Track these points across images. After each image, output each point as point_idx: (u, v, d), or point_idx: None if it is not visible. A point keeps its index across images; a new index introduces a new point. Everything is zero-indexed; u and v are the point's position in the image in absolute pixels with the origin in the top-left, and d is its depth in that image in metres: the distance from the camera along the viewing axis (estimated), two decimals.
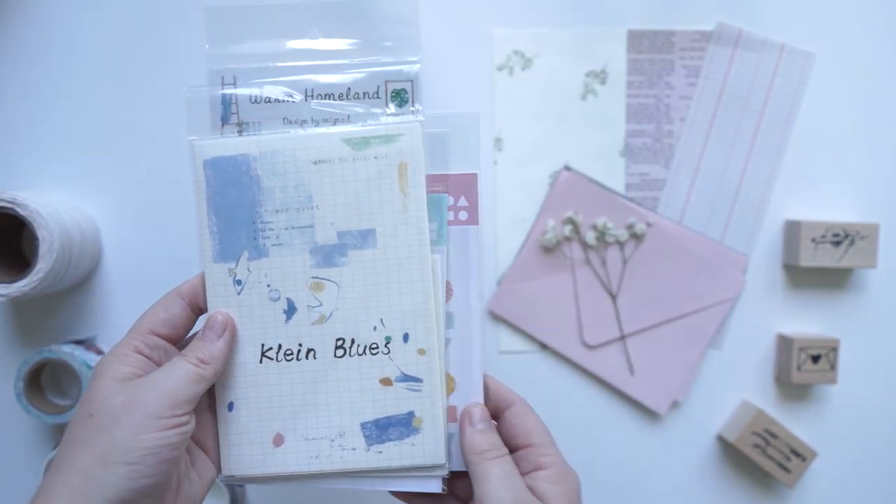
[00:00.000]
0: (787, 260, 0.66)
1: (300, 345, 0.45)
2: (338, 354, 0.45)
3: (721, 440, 0.67)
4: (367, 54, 0.46)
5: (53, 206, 0.59)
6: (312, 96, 0.46)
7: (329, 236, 0.45)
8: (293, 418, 0.45)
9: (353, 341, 0.45)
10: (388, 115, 0.46)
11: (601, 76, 0.66)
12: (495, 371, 0.52)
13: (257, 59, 0.46)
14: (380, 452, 0.45)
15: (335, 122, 0.46)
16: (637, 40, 0.66)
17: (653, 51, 0.66)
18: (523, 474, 0.43)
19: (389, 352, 0.45)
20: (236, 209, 0.45)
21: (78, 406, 0.40)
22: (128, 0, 0.64)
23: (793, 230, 0.65)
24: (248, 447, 0.45)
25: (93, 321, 0.65)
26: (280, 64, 0.46)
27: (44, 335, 0.65)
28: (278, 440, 0.45)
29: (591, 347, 0.66)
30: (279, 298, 0.45)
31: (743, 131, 0.66)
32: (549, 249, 0.66)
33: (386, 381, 0.45)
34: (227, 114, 0.46)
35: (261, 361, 0.45)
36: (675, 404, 0.67)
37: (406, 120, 0.46)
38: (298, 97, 0.46)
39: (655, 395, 0.66)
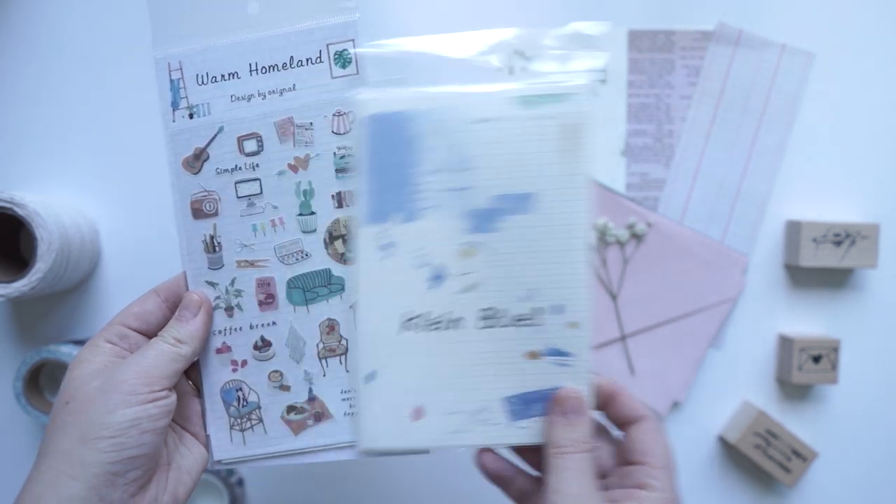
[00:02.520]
0: (787, 260, 0.66)
1: (445, 314, 0.43)
2: (484, 325, 0.43)
3: (722, 440, 0.67)
4: (307, 19, 0.45)
5: (52, 206, 0.59)
6: (257, 70, 0.45)
7: (485, 200, 0.43)
8: (435, 391, 0.43)
9: (501, 312, 0.43)
10: (555, 73, 0.45)
11: (601, 76, 0.66)
12: None
13: (200, 41, 0.45)
14: (523, 428, 0.43)
15: (281, 92, 0.45)
16: (637, 40, 0.66)
17: (653, 50, 0.66)
18: (621, 487, 0.41)
19: (541, 324, 0.43)
20: (391, 169, 0.44)
21: (56, 399, 0.41)
22: (128, 0, 0.64)
23: (793, 230, 0.65)
24: (385, 420, 0.44)
25: (92, 321, 0.65)
26: (222, 41, 0.45)
27: (43, 335, 0.65)
28: (418, 414, 0.44)
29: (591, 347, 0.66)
30: (425, 265, 0.43)
31: (743, 131, 0.66)
32: None
33: (533, 355, 0.43)
34: (177, 99, 0.46)
35: (401, 331, 0.44)
36: (675, 404, 0.67)
37: (577, 80, 0.44)
38: (243, 73, 0.45)
39: (656, 395, 0.66)
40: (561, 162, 0.43)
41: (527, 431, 0.43)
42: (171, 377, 0.41)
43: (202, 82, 0.45)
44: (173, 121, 0.46)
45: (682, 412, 0.67)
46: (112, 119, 0.65)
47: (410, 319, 0.44)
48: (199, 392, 0.46)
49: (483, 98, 0.43)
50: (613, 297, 0.66)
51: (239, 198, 0.45)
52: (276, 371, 0.46)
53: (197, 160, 0.46)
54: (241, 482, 0.65)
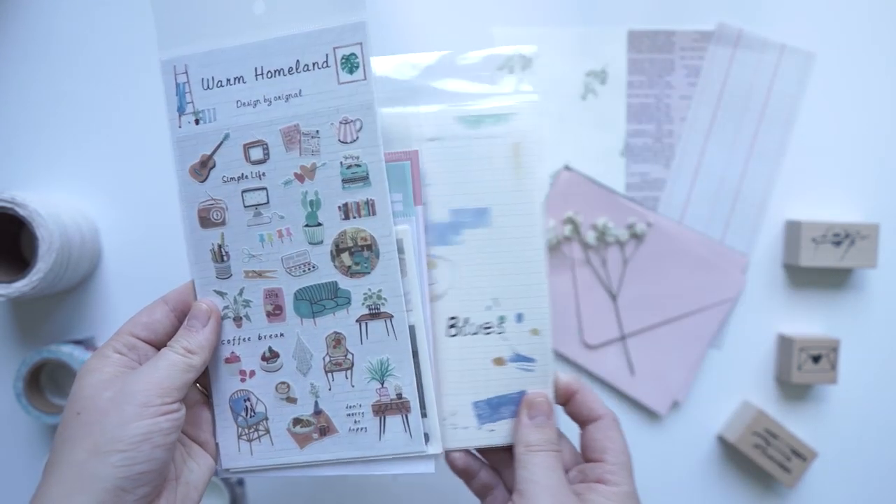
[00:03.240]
0: (787, 260, 0.66)
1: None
2: (451, 333, 0.45)
3: (721, 440, 0.67)
4: (315, 20, 0.44)
5: (53, 207, 0.59)
6: (262, 74, 0.44)
7: (443, 214, 0.45)
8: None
9: (466, 320, 0.45)
10: (500, 94, 0.46)
11: (601, 76, 0.66)
12: None
13: (205, 43, 0.44)
14: (492, 430, 0.45)
15: (287, 98, 0.44)
16: (637, 40, 0.66)
17: (653, 51, 0.66)
18: (582, 482, 0.43)
19: (503, 331, 0.45)
20: None
21: (65, 408, 0.40)
22: (128, 0, 0.64)
23: (793, 230, 0.65)
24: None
25: (92, 321, 0.65)
26: (228, 43, 0.44)
27: (43, 335, 0.65)
28: None
29: (591, 347, 0.66)
30: None
31: (743, 131, 0.66)
32: (549, 249, 0.66)
33: (499, 361, 0.45)
34: (183, 104, 0.45)
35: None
36: (675, 404, 0.67)
37: (521, 99, 0.46)
38: (249, 78, 0.44)
39: (655, 395, 0.66)
40: (511, 178, 0.45)
41: (496, 434, 0.45)
42: (182, 388, 0.41)
43: (208, 86, 0.44)
44: (179, 126, 0.45)
45: (682, 412, 0.67)
46: (112, 119, 0.65)
47: None
48: (209, 399, 0.46)
49: (430, 118, 0.45)
50: (613, 297, 0.66)
51: (246, 207, 0.45)
52: (283, 382, 0.45)
53: (203, 168, 0.45)
54: (241, 482, 0.65)
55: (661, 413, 0.66)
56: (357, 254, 0.44)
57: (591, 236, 0.65)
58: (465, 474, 0.47)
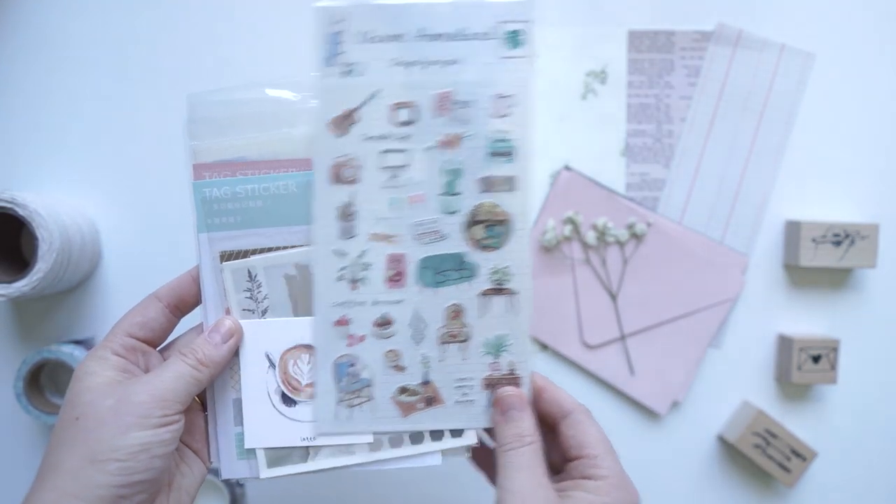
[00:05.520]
0: (787, 260, 0.66)
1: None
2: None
3: (721, 440, 0.67)
4: None
5: (53, 207, 0.59)
6: (424, 36, 0.43)
7: None
8: None
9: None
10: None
11: (601, 76, 0.66)
12: None
13: None
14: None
15: (445, 64, 0.43)
16: (637, 40, 0.66)
17: (653, 51, 0.66)
18: (569, 479, 0.42)
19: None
20: None
21: (62, 410, 0.40)
22: (129, 1, 0.64)
23: (793, 230, 0.65)
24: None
25: (92, 321, 0.65)
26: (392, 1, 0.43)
27: (43, 335, 0.65)
28: None
29: (591, 347, 0.66)
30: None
31: (743, 131, 0.66)
32: (549, 249, 0.66)
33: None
34: (333, 54, 0.44)
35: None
36: (675, 404, 0.67)
37: None
38: (409, 37, 0.43)
39: (655, 395, 0.66)
40: None
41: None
42: (185, 401, 0.41)
43: (364, 40, 0.43)
44: (324, 77, 0.44)
45: (682, 412, 0.67)
46: (113, 119, 0.65)
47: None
48: (203, 407, 0.46)
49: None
50: (613, 297, 0.66)
51: (382, 168, 0.44)
52: (393, 350, 0.45)
53: (344, 121, 0.44)
54: (241, 483, 0.65)
55: (660, 413, 0.66)
56: (491, 228, 0.44)
57: (590, 236, 0.65)
58: (486, 468, 0.47)
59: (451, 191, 0.44)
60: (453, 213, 0.44)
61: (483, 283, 0.44)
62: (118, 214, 0.65)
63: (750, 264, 0.66)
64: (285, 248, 0.45)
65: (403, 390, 0.45)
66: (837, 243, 0.64)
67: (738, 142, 0.66)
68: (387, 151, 0.44)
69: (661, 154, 0.66)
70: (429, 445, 0.45)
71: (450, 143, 0.44)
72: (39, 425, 0.65)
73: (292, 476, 0.45)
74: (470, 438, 0.45)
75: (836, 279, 0.67)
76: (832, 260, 0.64)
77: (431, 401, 0.45)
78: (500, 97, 0.44)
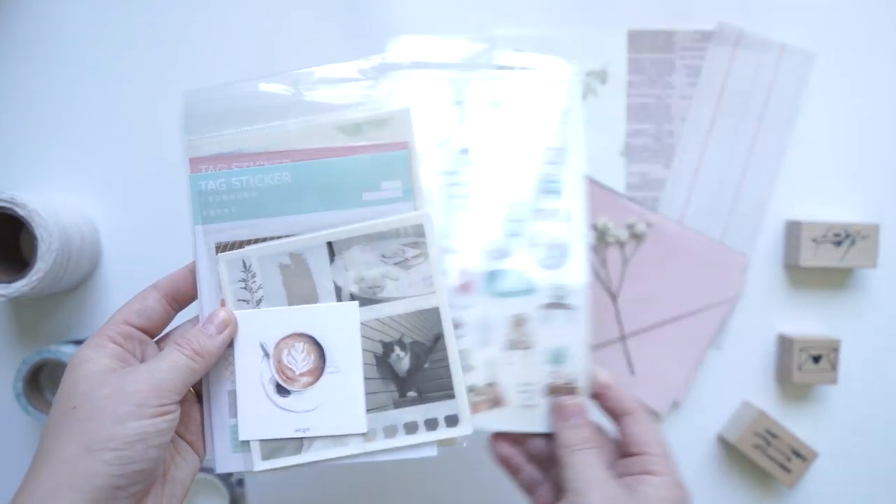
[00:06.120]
0: (787, 260, 0.66)
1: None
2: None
3: (721, 440, 0.67)
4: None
5: (53, 207, 0.59)
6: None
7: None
8: None
9: None
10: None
11: (601, 76, 0.66)
12: None
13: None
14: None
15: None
16: (637, 40, 0.66)
17: (653, 51, 0.66)
18: (629, 475, 0.45)
19: None
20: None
21: (57, 399, 0.40)
22: (128, 0, 0.64)
23: (793, 230, 0.65)
24: None
25: (92, 321, 0.65)
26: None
27: (43, 335, 0.65)
28: None
29: (590, 347, 0.66)
30: None
31: (743, 131, 0.66)
32: None
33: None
34: None
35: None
36: (675, 404, 0.67)
37: (397, 105, 0.47)
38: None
39: (655, 395, 0.66)
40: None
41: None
42: (181, 391, 0.41)
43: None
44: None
45: (682, 412, 0.67)
46: (112, 119, 0.65)
47: None
48: (199, 399, 0.46)
49: (313, 130, 0.46)
50: (613, 297, 0.66)
51: (450, 197, 0.48)
52: (463, 350, 0.47)
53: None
54: (241, 482, 0.65)
55: (661, 413, 0.66)
56: (549, 249, 0.48)
57: (590, 236, 0.65)
58: (509, 465, 0.49)
59: (513, 217, 0.49)
60: (515, 235, 0.48)
61: (543, 297, 0.48)
62: (118, 214, 0.65)
63: (750, 264, 0.66)
64: (279, 237, 0.45)
65: (471, 389, 0.47)
66: (838, 243, 0.64)
67: (739, 141, 0.66)
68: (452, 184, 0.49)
69: (661, 154, 0.66)
70: (423, 436, 0.46)
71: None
72: (39, 425, 0.65)
73: (286, 469, 0.45)
74: (466, 429, 0.46)
75: (836, 279, 0.67)
76: (833, 260, 0.64)
77: (497, 402, 0.48)
78: (554, 149, 0.49)
